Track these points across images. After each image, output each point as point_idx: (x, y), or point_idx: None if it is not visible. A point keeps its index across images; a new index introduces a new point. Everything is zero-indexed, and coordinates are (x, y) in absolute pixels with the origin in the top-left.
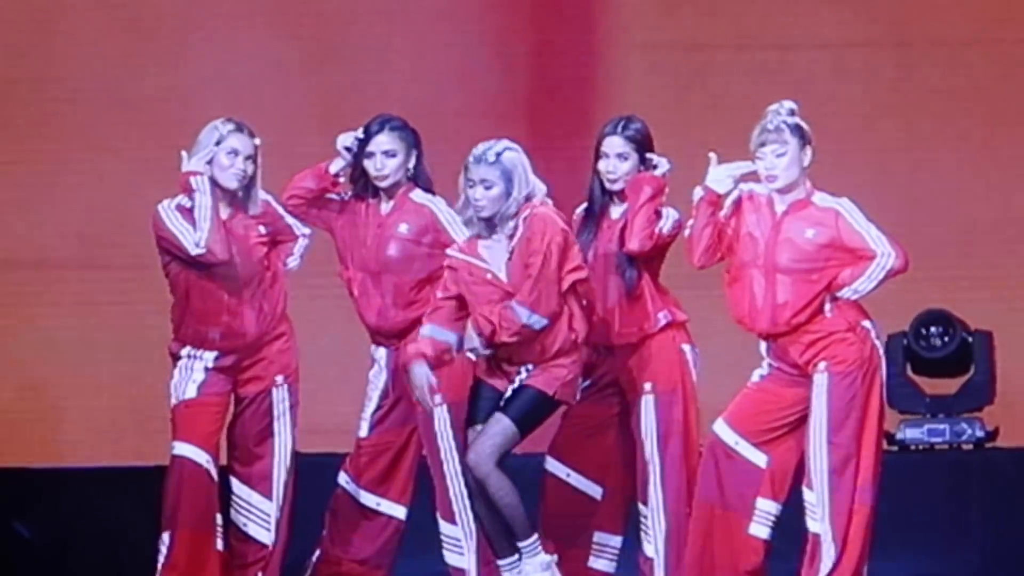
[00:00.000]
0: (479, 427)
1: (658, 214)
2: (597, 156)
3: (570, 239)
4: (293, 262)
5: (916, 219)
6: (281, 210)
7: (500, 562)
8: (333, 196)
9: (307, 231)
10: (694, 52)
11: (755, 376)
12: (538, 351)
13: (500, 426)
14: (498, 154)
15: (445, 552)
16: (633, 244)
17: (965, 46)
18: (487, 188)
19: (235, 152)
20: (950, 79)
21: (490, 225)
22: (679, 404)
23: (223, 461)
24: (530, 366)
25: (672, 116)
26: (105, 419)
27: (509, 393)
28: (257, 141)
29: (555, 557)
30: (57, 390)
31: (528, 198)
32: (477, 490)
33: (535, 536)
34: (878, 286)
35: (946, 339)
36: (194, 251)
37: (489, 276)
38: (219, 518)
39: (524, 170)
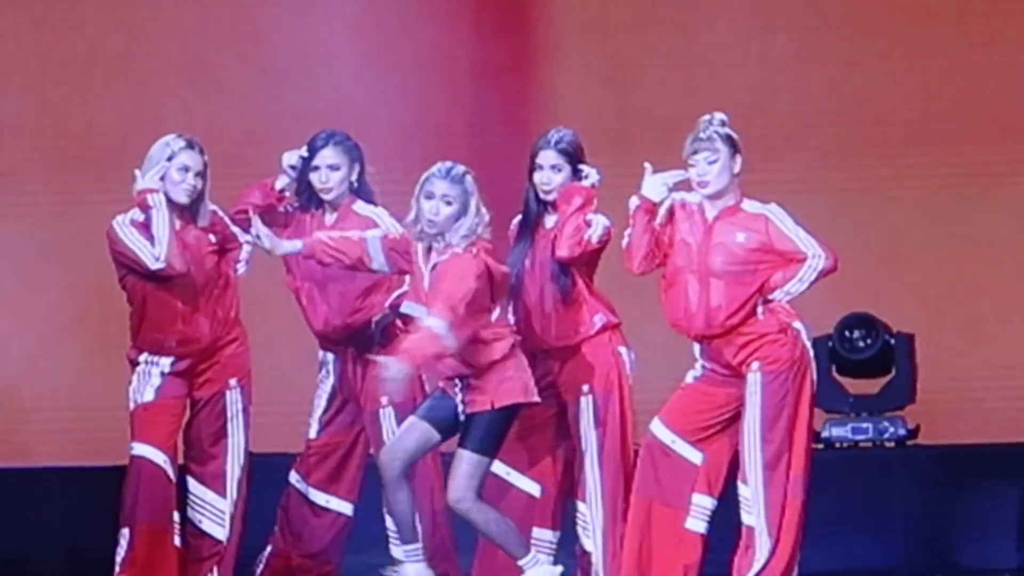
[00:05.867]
0: (413, 419)
1: (587, 222)
2: (532, 168)
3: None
4: (242, 268)
5: (840, 226)
6: (227, 219)
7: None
8: (279, 208)
9: (249, 237)
10: (627, 69)
11: (689, 377)
12: (470, 365)
13: (464, 461)
14: (463, 174)
15: (392, 547)
16: (563, 251)
17: (892, 56)
18: (447, 204)
19: (186, 168)
20: (875, 91)
21: (434, 241)
22: (615, 404)
23: (180, 461)
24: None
25: (606, 129)
26: (67, 421)
27: (463, 421)
28: (206, 157)
29: (561, 568)
30: (21, 392)
31: (475, 227)
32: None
33: (532, 552)
34: (810, 287)
35: (869, 341)
36: (154, 265)
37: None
38: (176, 515)
39: (479, 199)
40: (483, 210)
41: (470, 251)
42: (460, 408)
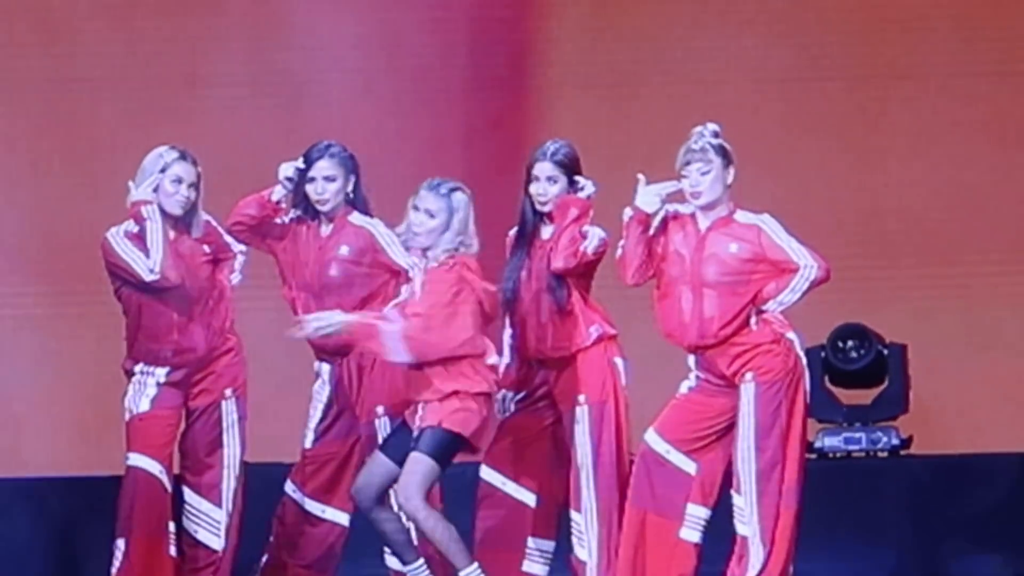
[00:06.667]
0: (376, 453)
1: (583, 234)
2: (528, 179)
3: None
4: (235, 278)
5: (834, 237)
6: (220, 229)
7: (407, 568)
8: (275, 220)
9: (243, 247)
10: (622, 82)
11: (683, 387)
12: (431, 390)
13: (416, 462)
14: (451, 190)
15: (386, 556)
16: (558, 263)
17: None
18: (429, 216)
19: (179, 180)
20: (872, 99)
21: (423, 255)
22: (611, 414)
23: (176, 471)
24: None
25: (600, 142)
26: (63, 431)
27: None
28: (200, 169)
29: None
30: (17, 404)
31: (461, 245)
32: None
33: (475, 566)
34: (802, 297)
35: (862, 352)
36: (148, 277)
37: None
38: (172, 525)
39: (467, 216)
40: (471, 230)
41: (447, 264)
42: (416, 427)
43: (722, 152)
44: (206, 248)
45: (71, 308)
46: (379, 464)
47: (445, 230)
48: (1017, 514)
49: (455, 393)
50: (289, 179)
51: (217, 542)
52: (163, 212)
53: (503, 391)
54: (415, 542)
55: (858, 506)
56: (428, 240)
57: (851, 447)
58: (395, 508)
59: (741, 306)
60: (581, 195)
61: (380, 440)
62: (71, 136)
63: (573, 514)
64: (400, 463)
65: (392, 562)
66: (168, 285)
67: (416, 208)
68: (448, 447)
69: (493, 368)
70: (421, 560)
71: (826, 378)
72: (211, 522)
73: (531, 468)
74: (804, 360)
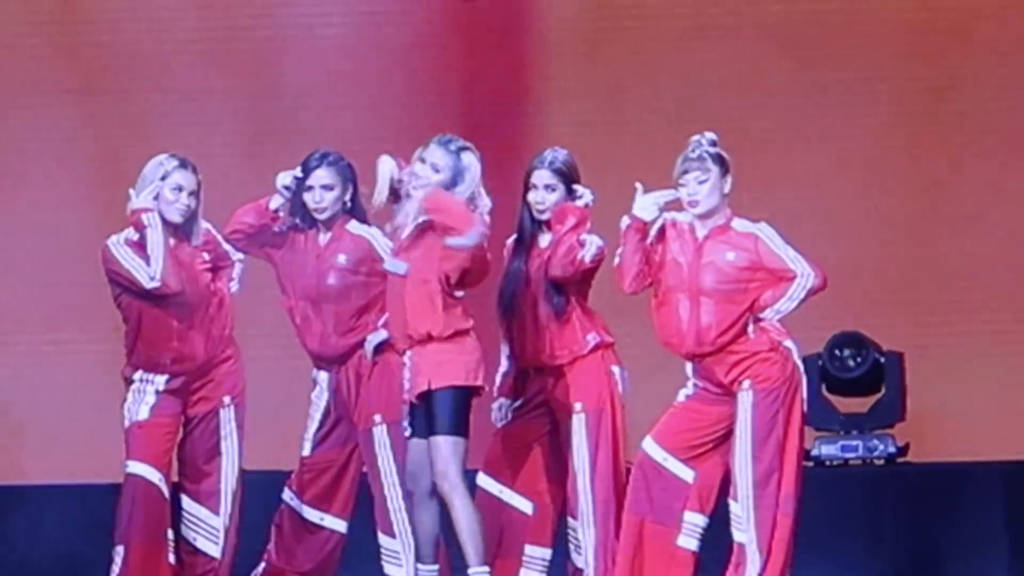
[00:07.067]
0: (412, 440)
1: (581, 242)
2: (526, 188)
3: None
4: (234, 286)
5: (831, 245)
6: (219, 237)
7: (421, 567)
8: (273, 228)
9: (241, 256)
10: (620, 91)
11: (681, 395)
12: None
13: (439, 445)
14: (460, 148)
15: (384, 564)
16: (556, 270)
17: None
18: (434, 171)
19: (179, 188)
20: (868, 109)
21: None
22: (608, 422)
23: (174, 478)
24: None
25: (597, 150)
26: (61, 439)
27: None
28: (200, 177)
29: None
30: (18, 411)
31: (468, 203)
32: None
33: (486, 569)
34: (799, 305)
35: (859, 360)
36: (149, 285)
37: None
38: (170, 533)
39: (475, 176)
40: (481, 191)
41: None
42: (406, 390)
43: (719, 161)
44: (206, 256)
45: (71, 315)
46: (418, 448)
47: (452, 187)
48: (1013, 522)
49: (432, 339)
50: (287, 187)
51: (215, 549)
52: (163, 220)
53: (501, 399)
54: (438, 547)
55: (855, 514)
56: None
57: (848, 455)
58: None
59: (738, 314)
60: (579, 204)
61: (374, 450)
62: (72, 145)
63: (570, 522)
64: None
65: (392, 570)
66: (168, 292)
67: (422, 160)
68: (461, 409)
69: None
70: (436, 567)
71: (823, 386)
72: (209, 529)
73: (528, 476)
74: (802, 368)
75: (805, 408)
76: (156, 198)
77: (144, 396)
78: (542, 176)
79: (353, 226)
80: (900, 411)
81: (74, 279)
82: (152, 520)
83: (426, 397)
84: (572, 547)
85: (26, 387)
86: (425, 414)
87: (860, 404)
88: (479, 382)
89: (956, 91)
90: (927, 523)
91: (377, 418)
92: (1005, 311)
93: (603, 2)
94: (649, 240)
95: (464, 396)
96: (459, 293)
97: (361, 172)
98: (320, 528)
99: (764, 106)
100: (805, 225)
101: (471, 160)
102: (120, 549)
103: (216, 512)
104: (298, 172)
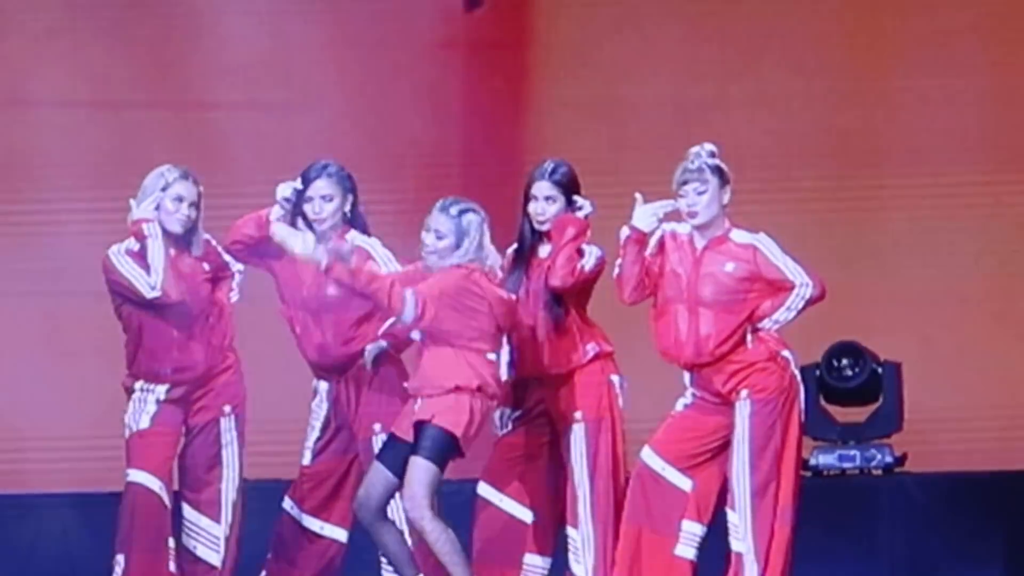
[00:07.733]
0: (375, 463)
1: (581, 253)
2: (527, 199)
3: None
4: (233, 296)
5: (829, 256)
6: (219, 248)
7: None
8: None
9: (240, 266)
10: (619, 103)
11: (679, 405)
12: (432, 385)
13: (417, 467)
14: (461, 211)
15: (383, 573)
16: (555, 280)
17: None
18: (438, 238)
19: (180, 199)
20: (865, 125)
21: None
22: (607, 432)
23: (175, 487)
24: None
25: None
26: (62, 448)
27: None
28: (201, 188)
29: None
30: (19, 420)
31: (469, 255)
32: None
33: None
34: (798, 315)
35: (857, 370)
36: (150, 294)
37: None
38: (171, 541)
39: (479, 236)
40: (488, 247)
41: (459, 268)
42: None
43: (718, 172)
44: (206, 266)
45: (71, 324)
46: (378, 476)
47: (455, 249)
48: (1011, 532)
49: (456, 388)
50: (287, 199)
51: (216, 558)
52: (164, 230)
53: (501, 408)
54: (413, 559)
55: (852, 524)
56: (438, 260)
57: (845, 465)
58: (399, 521)
59: (737, 324)
60: (579, 215)
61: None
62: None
63: (569, 531)
64: (398, 474)
65: None
66: (169, 302)
67: (427, 229)
68: (445, 448)
69: (493, 364)
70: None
71: (821, 396)
72: (210, 538)
73: (528, 485)
74: (799, 378)
75: (803, 418)
76: (157, 208)
77: (145, 406)
78: (542, 187)
79: (353, 236)
80: (898, 421)
81: (75, 288)
82: (152, 529)
83: (420, 427)
84: (571, 556)
85: (27, 396)
86: (408, 448)
87: (858, 414)
88: (465, 446)
89: (963, 97)
90: (924, 533)
91: (376, 427)
92: (1003, 320)
93: (601, 12)
94: (648, 251)
95: (454, 444)
96: (491, 356)
97: (363, 183)
98: (320, 537)
99: (764, 118)
100: (802, 235)
101: (471, 220)
102: (120, 558)
103: (217, 521)
104: (298, 183)
